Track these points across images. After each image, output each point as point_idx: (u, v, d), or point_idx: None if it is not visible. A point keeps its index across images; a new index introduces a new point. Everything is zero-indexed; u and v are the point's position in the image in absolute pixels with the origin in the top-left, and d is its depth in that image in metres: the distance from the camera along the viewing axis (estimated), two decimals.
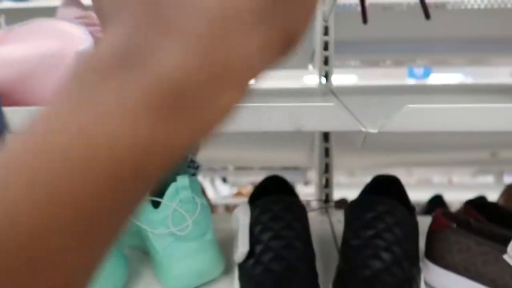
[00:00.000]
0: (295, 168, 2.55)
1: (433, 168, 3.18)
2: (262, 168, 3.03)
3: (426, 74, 2.60)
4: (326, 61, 0.85)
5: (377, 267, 0.49)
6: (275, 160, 1.70)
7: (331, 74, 0.85)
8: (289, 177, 0.71)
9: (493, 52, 1.18)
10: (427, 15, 0.78)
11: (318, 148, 0.83)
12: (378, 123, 0.44)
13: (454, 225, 0.53)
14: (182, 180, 0.54)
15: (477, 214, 0.58)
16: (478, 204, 0.61)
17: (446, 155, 1.24)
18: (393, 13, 1.16)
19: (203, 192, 0.65)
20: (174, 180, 0.55)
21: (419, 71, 2.68)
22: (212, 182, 2.68)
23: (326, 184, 0.85)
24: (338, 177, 3.11)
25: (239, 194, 2.55)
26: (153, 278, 0.58)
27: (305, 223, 0.56)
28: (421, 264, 0.57)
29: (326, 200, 0.84)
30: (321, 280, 0.51)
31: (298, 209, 0.57)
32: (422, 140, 1.23)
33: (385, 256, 0.50)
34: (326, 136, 0.83)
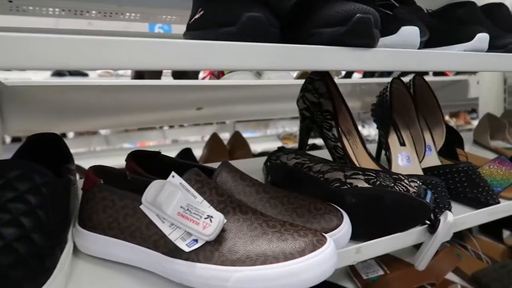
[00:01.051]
0: None
1: (184, 129, 3.33)
2: None
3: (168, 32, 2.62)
4: None
5: None
6: None
7: None
8: None
9: None
10: None
11: None
12: None
13: (101, 181, 0.48)
14: None
15: (136, 166, 0.55)
16: (141, 155, 0.58)
17: (161, 114, 1.25)
18: None
19: None
20: None
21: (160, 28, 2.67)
22: None
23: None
24: (93, 147, 2.87)
25: None
26: None
27: None
28: (73, 230, 0.50)
29: None
30: None
31: None
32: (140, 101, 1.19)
33: (6, 231, 0.40)
34: None
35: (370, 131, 3.12)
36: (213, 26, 0.44)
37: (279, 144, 3.24)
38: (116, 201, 0.46)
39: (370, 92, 1.56)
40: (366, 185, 0.51)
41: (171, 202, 0.41)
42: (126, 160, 0.56)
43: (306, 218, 0.48)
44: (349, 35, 0.44)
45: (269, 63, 0.41)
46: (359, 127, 0.68)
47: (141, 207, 0.44)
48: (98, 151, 2.79)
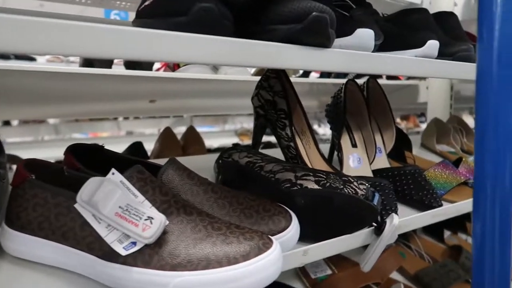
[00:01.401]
0: None
1: (140, 121, 3.23)
2: None
3: (124, 20, 2.52)
4: None
5: None
6: None
7: None
8: None
9: None
10: None
11: None
12: None
13: (33, 177, 0.44)
14: None
15: (74, 161, 0.51)
16: (82, 149, 0.54)
17: (111, 105, 1.19)
18: None
19: None
20: None
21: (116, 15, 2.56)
22: None
23: None
24: (41, 136, 2.69)
25: None
26: None
27: None
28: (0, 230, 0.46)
29: None
30: None
31: None
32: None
33: None
34: None
35: (326, 130, 3.18)
36: (164, 14, 0.41)
37: (236, 140, 3.22)
38: (49, 198, 0.42)
39: (327, 92, 1.57)
40: (316, 186, 0.50)
41: (109, 202, 0.38)
42: (65, 153, 0.52)
43: (254, 220, 0.47)
44: (304, 33, 0.43)
45: (220, 57, 0.39)
46: (316, 126, 0.68)
47: (76, 206, 0.40)
48: (46, 140, 2.63)
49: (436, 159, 0.93)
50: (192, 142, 1.15)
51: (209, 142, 2.96)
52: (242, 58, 0.41)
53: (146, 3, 0.46)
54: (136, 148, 1.10)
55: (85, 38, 0.32)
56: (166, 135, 1.12)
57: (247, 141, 3.23)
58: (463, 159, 0.78)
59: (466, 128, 1.01)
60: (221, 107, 1.94)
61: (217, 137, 3.25)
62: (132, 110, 1.28)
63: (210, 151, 3.08)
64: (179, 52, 0.37)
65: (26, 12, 0.93)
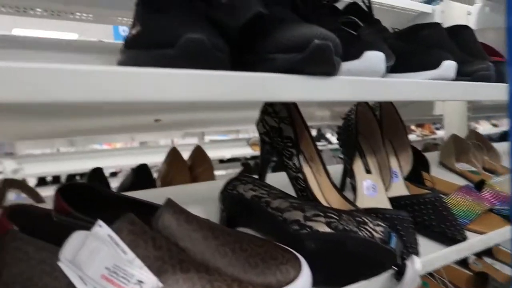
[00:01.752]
0: None
1: (156, 132, 3.20)
2: None
3: None
4: None
5: None
6: None
7: None
8: None
9: None
10: None
11: None
12: None
13: (15, 228, 0.40)
14: None
15: (64, 203, 0.47)
16: (73, 188, 0.50)
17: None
18: None
19: None
20: None
21: (124, 30, 2.55)
22: None
23: None
24: (56, 148, 2.68)
25: None
26: None
27: None
28: None
29: None
30: None
31: None
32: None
33: None
34: None
35: None
36: (149, 46, 0.37)
37: (248, 149, 3.13)
38: (31, 253, 0.38)
39: (339, 102, 1.53)
40: (327, 229, 0.45)
41: (93, 261, 0.34)
42: (55, 195, 0.48)
43: (260, 270, 0.42)
44: (306, 63, 0.39)
45: (212, 94, 0.36)
46: (329, 135, 0.64)
47: (59, 264, 0.36)
48: (62, 153, 2.61)
49: (456, 179, 0.87)
50: (200, 162, 1.12)
51: (222, 153, 2.91)
52: (238, 93, 0.37)
53: (133, 32, 0.42)
54: (142, 171, 1.07)
55: (62, 83, 0.29)
56: (173, 156, 1.09)
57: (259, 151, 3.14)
58: (485, 182, 0.73)
59: (486, 144, 0.95)
60: (231, 120, 1.90)
61: (230, 146, 3.18)
62: (137, 127, 1.25)
63: (223, 162, 3.03)
64: (163, 91, 0.34)
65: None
